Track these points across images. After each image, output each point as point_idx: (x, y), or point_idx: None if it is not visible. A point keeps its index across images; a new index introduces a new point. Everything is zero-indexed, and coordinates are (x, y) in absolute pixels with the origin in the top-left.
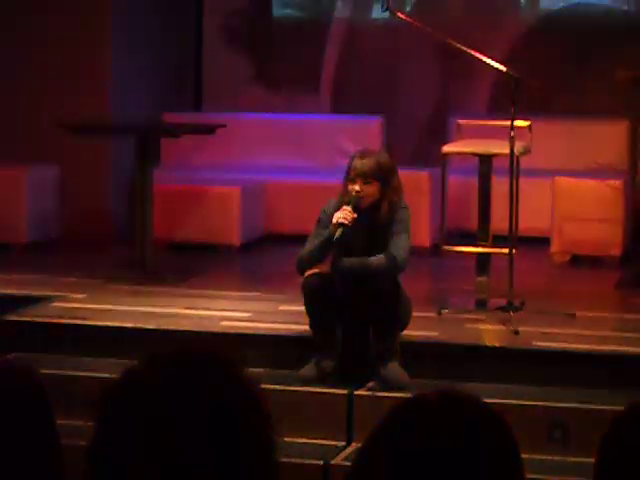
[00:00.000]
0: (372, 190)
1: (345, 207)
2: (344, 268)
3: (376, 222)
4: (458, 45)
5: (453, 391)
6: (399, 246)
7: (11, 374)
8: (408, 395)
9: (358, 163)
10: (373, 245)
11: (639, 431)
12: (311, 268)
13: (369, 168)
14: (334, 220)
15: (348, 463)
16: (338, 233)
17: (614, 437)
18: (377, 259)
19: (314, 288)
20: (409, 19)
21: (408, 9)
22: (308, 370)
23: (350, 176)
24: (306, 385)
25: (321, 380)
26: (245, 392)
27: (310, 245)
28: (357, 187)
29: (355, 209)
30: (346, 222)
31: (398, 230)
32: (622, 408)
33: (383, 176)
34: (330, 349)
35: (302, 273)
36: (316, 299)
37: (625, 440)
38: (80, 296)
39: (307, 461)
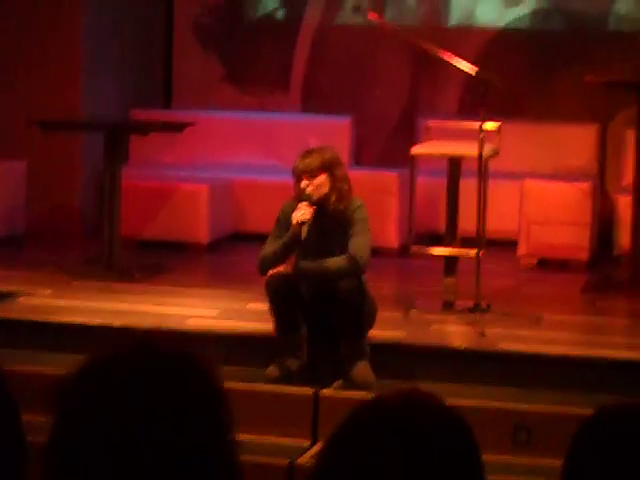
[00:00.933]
0: (320, 181)
1: (301, 204)
2: (304, 271)
3: (327, 212)
4: (427, 46)
5: (414, 392)
6: (360, 247)
7: None
8: (370, 396)
9: (300, 163)
10: (326, 238)
11: (608, 435)
12: (273, 268)
13: (310, 163)
14: (294, 221)
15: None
16: (304, 232)
17: (582, 441)
18: (337, 261)
19: (278, 288)
20: (379, 20)
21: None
22: (274, 369)
23: (296, 177)
24: (272, 384)
25: (287, 379)
26: (207, 389)
27: (272, 246)
28: (304, 183)
29: (311, 203)
30: (307, 218)
31: (357, 230)
32: (587, 411)
33: (327, 167)
34: (296, 348)
35: (264, 274)
36: (280, 299)
37: (594, 444)
38: (46, 292)
39: (272, 460)
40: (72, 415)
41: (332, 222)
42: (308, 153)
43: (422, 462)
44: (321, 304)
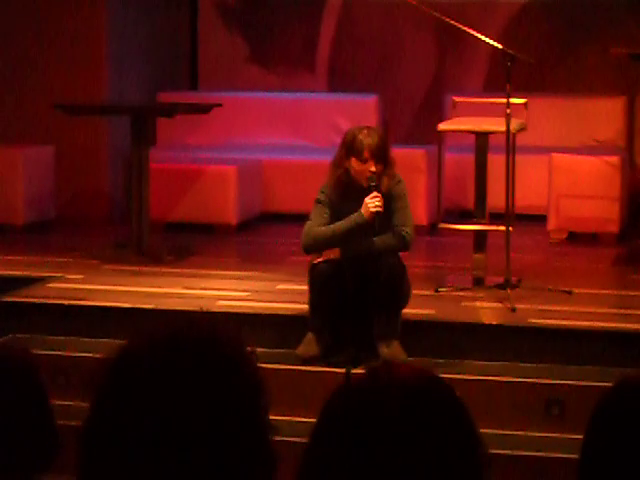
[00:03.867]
0: (380, 169)
1: (375, 194)
2: (353, 253)
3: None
4: (454, 22)
5: (404, 366)
6: (405, 222)
7: (6, 356)
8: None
9: (369, 141)
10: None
11: (628, 405)
12: (324, 250)
13: (378, 147)
14: (371, 209)
15: None
16: (377, 222)
17: (603, 411)
18: (385, 239)
19: (325, 279)
20: None
21: None
22: (305, 349)
23: (362, 156)
24: (304, 364)
25: (318, 359)
26: (245, 375)
27: (326, 228)
28: (373, 168)
29: (377, 190)
30: (381, 209)
31: (400, 206)
32: None
33: (385, 153)
34: (328, 329)
35: (310, 252)
36: (325, 288)
37: (614, 414)
38: (77, 277)
39: (305, 440)
40: (110, 399)
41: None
42: (369, 132)
43: (413, 438)
44: (363, 288)
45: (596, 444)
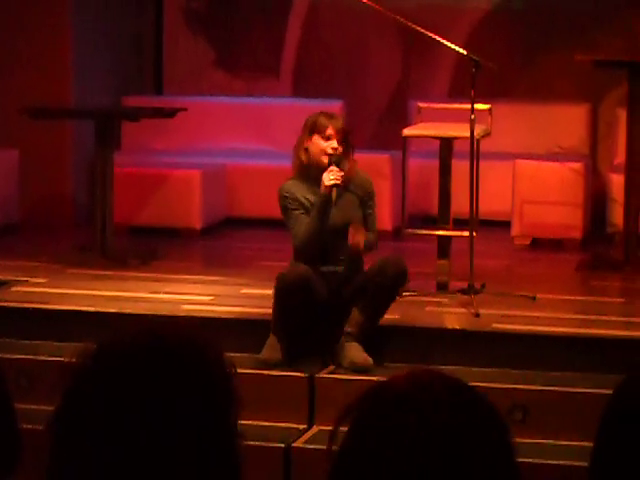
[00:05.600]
0: (341, 150)
1: (332, 167)
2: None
3: (347, 182)
4: (419, 28)
5: (430, 372)
6: (375, 226)
7: None
8: (372, 378)
9: (331, 121)
10: (344, 209)
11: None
12: (317, 246)
13: (342, 127)
14: (326, 183)
15: (309, 446)
16: (334, 195)
17: (615, 410)
18: (372, 238)
19: (292, 287)
20: (369, 2)
21: None
22: (269, 353)
23: (325, 133)
24: (267, 368)
25: (283, 363)
26: (212, 375)
27: (304, 226)
28: (335, 144)
29: (337, 165)
30: (339, 182)
31: (372, 206)
32: (582, 389)
33: (348, 137)
34: (291, 333)
35: (309, 255)
36: (290, 300)
37: (628, 411)
38: (41, 280)
39: (268, 444)
40: (79, 402)
41: (349, 192)
42: (331, 114)
43: (448, 443)
44: (337, 293)
45: (607, 449)
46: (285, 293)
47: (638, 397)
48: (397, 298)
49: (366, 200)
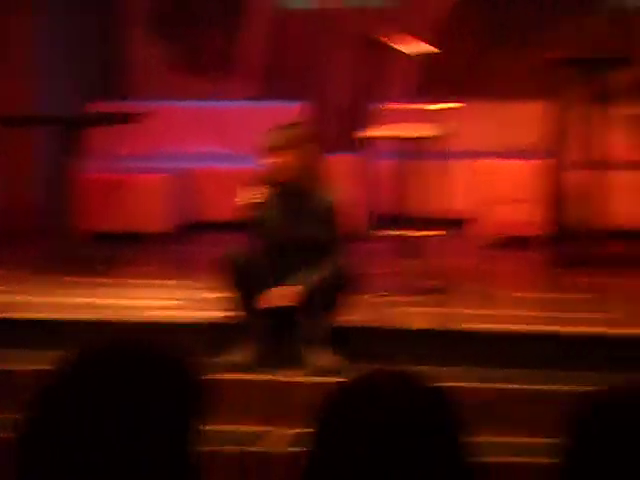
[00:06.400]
0: (287, 160)
1: (250, 187)
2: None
3: (298, 195)
4: (374, 36)
5: (398, 372)
6: (337, 246)
7: None
8: (339, 380)
9: (265, 139)
10: (297, 225)
11: (620, 418)
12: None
13: (276, 138)
14: (240, 203)
15: (267, 450)
16: (268, 216)
17: (590, 421)
18: (320, 275)
19: (239, 263)
20: (330, 5)
21: None
22: (233, 357)
23: (264, 154)
24: (230, 372)
25: (245, 367)
26: (179, 381)
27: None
28: (270, 161)
29: (272, 184)
30: (252, 201)
31: (332, 227)
32: (550, 388)
33: (296, 144)
34: (255, 336)
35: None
36: (242, 276)
37: (604, 426)
38: (5, 288)
39: (224, 449)
40: (47, 413)
41: (303, 207)
42: (278, 128)
43: (410, 440)
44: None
45: (581, 450)
46: (233, 274)
47: (619, 397)
48: (352, 301)
49: (320, 215)
